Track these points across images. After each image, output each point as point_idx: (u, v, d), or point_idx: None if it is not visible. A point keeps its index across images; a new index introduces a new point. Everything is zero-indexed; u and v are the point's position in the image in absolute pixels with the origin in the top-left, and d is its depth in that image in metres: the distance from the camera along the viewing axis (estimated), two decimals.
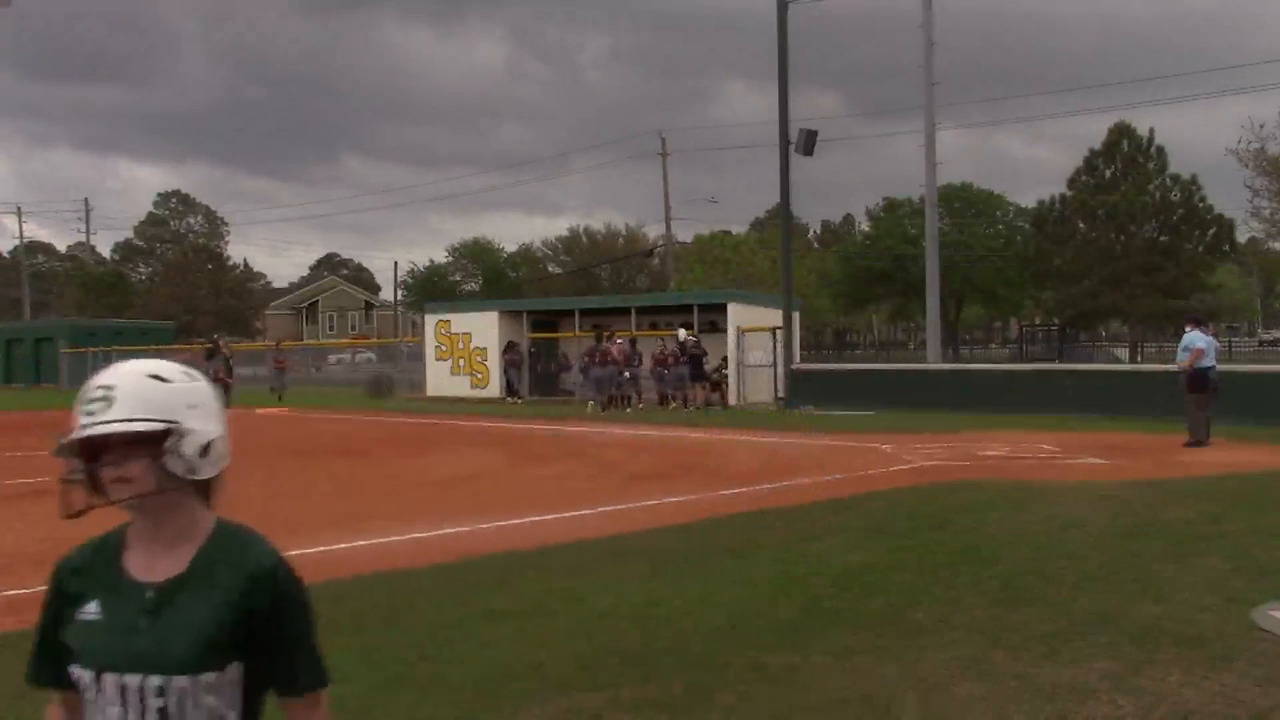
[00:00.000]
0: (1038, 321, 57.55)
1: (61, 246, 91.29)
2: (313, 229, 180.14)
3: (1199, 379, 13.24)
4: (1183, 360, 13.42)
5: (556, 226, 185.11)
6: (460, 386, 27.20)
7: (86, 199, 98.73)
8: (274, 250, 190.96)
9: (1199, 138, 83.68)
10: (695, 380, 22.70)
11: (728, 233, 58.48)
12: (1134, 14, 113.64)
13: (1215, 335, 22.02)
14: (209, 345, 25.09)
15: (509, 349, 25.94)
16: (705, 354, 22.80)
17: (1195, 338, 13.57)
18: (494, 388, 26.77)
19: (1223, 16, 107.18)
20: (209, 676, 1.58)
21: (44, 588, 1.74)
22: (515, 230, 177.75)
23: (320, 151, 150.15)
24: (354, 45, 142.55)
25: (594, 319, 26.87)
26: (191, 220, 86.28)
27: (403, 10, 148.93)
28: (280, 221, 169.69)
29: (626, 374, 22.88)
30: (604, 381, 22.56)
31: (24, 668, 1.76)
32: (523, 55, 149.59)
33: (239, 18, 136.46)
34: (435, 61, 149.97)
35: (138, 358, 1.78)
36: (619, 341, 23.29)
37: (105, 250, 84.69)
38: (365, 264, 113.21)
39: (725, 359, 23.57)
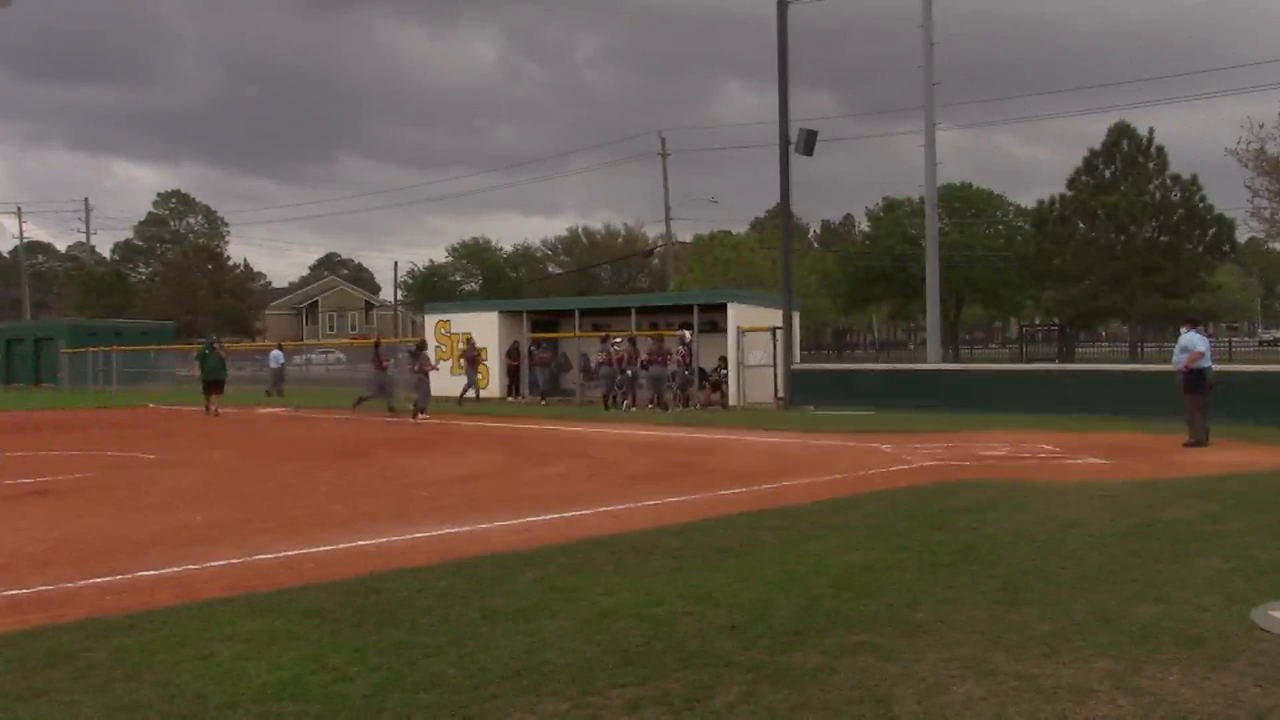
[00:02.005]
0: (1038, 321, 57.58)
1: (60, 246, 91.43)
2: (310, 229, 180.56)
3: (1196, 379, 13.26)
4: (1181, 360, 13.43)
5: (555, 227, 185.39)
6: (460, 386, 27.18)
7: (86, 199, 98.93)
8: (271, 250, 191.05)
9: (1199, 138, 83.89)
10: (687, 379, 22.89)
11: (728, 233, 58.54)
12: (1134, 14, 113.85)
13: (1214, 335, 22.07)
14: (418, 342, 24.22)
15: (538, 347, 25.96)
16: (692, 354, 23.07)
17: (1194, 339, 13.60)
18: (494, 388, 26.76)
19: (1222, 16, 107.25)
20: None
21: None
22: (513, 230, 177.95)
23: (316, 151, 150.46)
24: (348, 44, 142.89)
25: (594, 319, 26.88)
26: (191, 220, 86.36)
27: (396, 10, 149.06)
28: (277, 222, 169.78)
29: (629, 373, 22.91)
30: (660, 380, 22.53)
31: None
32: (517, 55, 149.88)
33: (233, 17, 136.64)
34: (430, 61, 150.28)
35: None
36: (619, 342, 23.33)
37: (104, 250, 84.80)
38: (363, 264, 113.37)
39: (721, 359, 23.58)
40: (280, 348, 33.63)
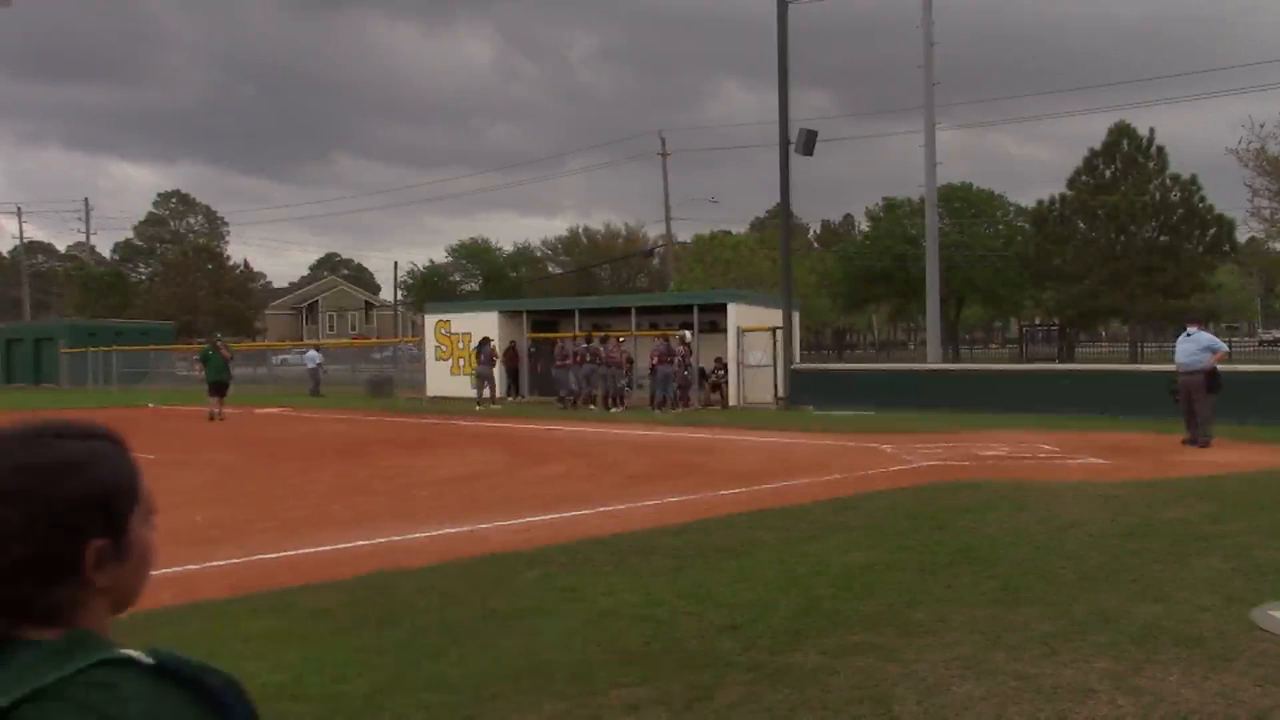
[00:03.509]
0: (1038, 321, 57.53)
1: (60, 246, 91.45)
2: (307, 229, 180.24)
3: (1216, 378, 13.17)
4: (1205, 360, 13.24)
5: (554, 227, 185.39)
6: (460, 387, 27.17)
7: (86, 199, 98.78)
8: (269, 250, 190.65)
9: (1199, 138, 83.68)
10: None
11: (728, 233, 58.48)
12: (1133, 13, 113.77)
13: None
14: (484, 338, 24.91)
15: (555, 349, 25.80)
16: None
17: (1214, 339, 13.58)
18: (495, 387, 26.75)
19: (1222, 16, 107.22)
20: None
21: None
22: (512, 230, 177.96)
23: (312, 150, 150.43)
24: (343, 44, 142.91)
25: (594, 319, 26.85)
26: (191, 220, 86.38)
27: (391, 9, 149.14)
28: (273, 222, 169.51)
29: (627, 376, 22.93)
30: (668, 379, 22.44)
31: None
32: (513, 54, 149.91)
33: (228, 17, 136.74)
34: (425, 60, 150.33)
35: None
36: (620, 341, 23.35)
37: (104, 250, 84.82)
38: (363, 264, 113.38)
39: (718, 359, 23.56)
40: (317, 348, 33.57)
